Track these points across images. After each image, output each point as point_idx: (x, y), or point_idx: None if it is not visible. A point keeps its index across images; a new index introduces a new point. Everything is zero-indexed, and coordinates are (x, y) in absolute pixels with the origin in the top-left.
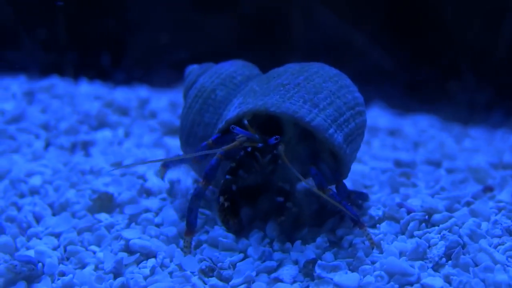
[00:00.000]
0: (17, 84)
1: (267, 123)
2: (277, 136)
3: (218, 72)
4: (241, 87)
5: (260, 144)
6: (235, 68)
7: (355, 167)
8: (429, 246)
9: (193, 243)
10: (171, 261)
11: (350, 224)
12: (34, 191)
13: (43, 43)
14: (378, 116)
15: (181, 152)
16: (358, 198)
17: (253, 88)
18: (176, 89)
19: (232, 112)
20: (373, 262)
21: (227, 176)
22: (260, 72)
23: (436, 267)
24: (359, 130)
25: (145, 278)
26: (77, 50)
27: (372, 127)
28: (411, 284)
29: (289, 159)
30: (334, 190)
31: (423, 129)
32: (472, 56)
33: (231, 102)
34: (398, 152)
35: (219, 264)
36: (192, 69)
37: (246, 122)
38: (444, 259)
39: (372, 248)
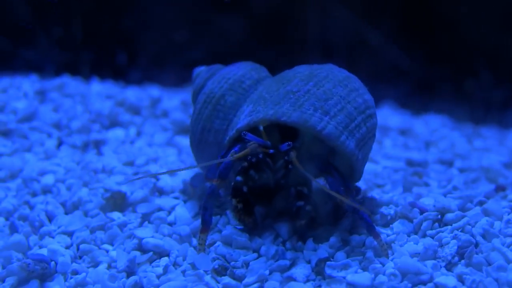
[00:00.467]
0: (28, 83)
1: (280, 128)
2: (289, 142)
3: (226, 76)
4: (250, 92)
5: (271, 150)
6: (243, 71)
7: (368, 166)
8: (441, 245)
9: (207, 242)
10: (184, 259)
11: (364, 230)
12: (46, 190)
13: (55, 42)
14: (389, 116)
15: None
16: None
17: (263, 95)
18: (188, 89)
19: (242, 120)
20: (382, 263)
21: (238, 178)
22: (269, 74)
23: (449, 266)
24: (370, 133)
25: (158, 276)
26: (87, 49)
27: (383, 126)
28: (424, 283)
29: (302, 163)
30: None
31: (434, 128)
32: (486, 56)
33: (240, 108)
34: (410, 151)
35: (232, 263)
36: (200, 72)
37: (261, 128)
38: (456, 258)
39: (387, 257)
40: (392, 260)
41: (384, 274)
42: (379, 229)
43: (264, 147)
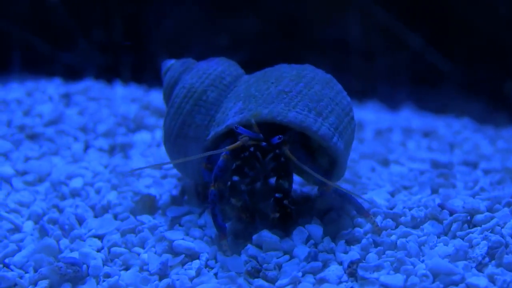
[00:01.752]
0: (53, 87)
1: (264, 126)
2: (280, 136)
3: (206, 72)
4: (230, 88)
5: (263, 143)
6: (222, 68)
7: (394, 168)
8: (471, 246)
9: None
10: (216, 262)
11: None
12: (75, 193)
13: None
14: (410, 118)
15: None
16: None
17: (252, 93)
18: None
19: (232, 118)
20: (413, 265)
21: (234, 178)
22: (243, 71)
23: (480, 267)
24: (353, 134)
25: (191, 279)
26: (111, 52)
27: (406, 128)
28: (456, 284)
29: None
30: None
31: (456, 130)
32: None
33: (223, 104)
34: (434, 153)
35: (264, 265)
36: (171, 65)
37: (253, 121)
38: (487, 259)
39: (379, 235)
40: (423, 261)
41: (416, 275)
42: (410, 230)
43: (256, 140)
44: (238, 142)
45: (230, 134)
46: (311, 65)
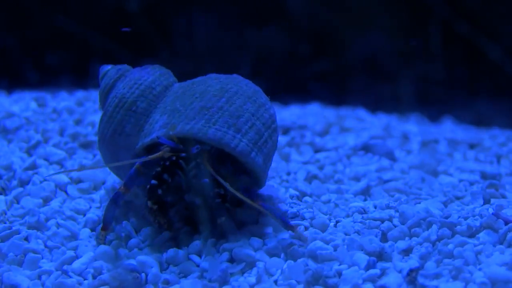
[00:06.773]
0: None
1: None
2: (197, 146)
3: (137, 82)
4: (160, 98)
5: (183, 154)
6: (153, 78)
7: (444, 178)
8: None
9: (297, 255)
10: (276, 269)
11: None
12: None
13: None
14: (453, 130)
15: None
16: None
17: (176, 107)
18: None
19: (157, 131)
20: (471, 273)
21: (152, 181)
22: (175, 79)
23: None
24: (274, 145)
25: (252, 286)
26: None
27: (452, 140)
28: None
29: (212, 165)
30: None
31: (501, 142)
32: None
33: (152, 115)
34: (482, 164)
35: (324, 273)
36: (107, 71)
37: (171, 132)
38: None
39: (306, 244)
40: (480, 269)
41: (474, 283)
42: (466, 239)
43: (176, 151)
44: (159, 153)
45: (156, 144)
46: (238, 76)
